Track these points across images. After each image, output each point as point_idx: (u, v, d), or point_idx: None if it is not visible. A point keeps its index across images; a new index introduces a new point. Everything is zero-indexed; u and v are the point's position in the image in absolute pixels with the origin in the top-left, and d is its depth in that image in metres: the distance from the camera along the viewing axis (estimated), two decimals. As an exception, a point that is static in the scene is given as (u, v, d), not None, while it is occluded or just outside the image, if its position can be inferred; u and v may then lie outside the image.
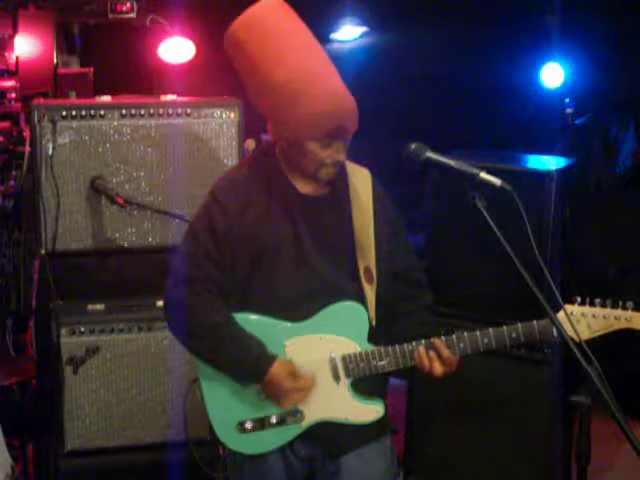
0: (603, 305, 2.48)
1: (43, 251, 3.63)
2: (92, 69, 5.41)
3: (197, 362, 2.66)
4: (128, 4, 4.96)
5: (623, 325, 2.47)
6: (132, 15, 4.99)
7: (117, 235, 3.69)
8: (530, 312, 2.46)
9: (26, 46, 4.70)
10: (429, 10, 5.67)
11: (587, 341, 2.35)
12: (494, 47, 5.55)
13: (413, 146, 2.38)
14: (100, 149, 3.65)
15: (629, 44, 5.22)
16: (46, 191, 3.60)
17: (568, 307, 2.49)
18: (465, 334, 2.58)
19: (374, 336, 2.62)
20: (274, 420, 2.60)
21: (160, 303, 3.54)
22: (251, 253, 2.59)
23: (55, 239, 3.62)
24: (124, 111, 3.66)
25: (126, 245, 3.71)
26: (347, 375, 2.60)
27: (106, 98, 3.75)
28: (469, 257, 3.76)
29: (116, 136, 3.66)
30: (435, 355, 2.56)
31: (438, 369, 2.56)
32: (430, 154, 2.37)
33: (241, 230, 2.59)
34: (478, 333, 2.58)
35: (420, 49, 5.76)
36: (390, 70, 5.90)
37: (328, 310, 2.59)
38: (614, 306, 2.48)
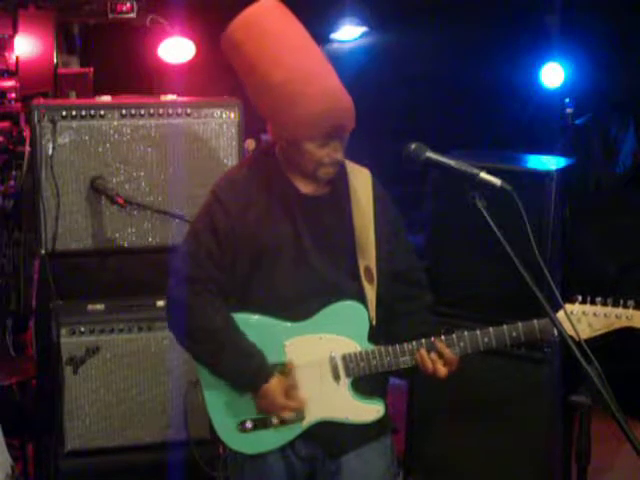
0: (604, 304, 2.48)
1: (43, 251, 3.63)
2: (92, 69, 5.41)
3: (197, 362, 2.67)
4: (128, 4, 4.96)
5: (624, 324, 2.48)
6: (132, 15, 4.99)
7: (117, 235, 3.69)
8: (530, 312, 2.46)
9: (26, 46, 4.70)
10: (429, 10, 5.67)
11: (587, 340, 2.36)
12: (494, 47, 5.55)
13: (413, 146, 2.38)
14: (100, 149, 3.65)
15: (629, 44, 5.22)
16: (46, 191, 3.60)
17: (569, 306, 2.49)
18: (465, 333, 2.58)
19: (374, 336, 2.62)
20: (275, 420, 2.60)
21: (160, 303, 3.58)
22: (251, 253, 2.59)
23: (55, 239, 3.62)
24: (124, 111, 3.66)
25: (126, 245, 3.71)
26: (347, 375, 2.60)
27: (106, 98, 3.75)
28: (469, 257, 3.76)
29: (116, 136, 3.66)
30: (437, 356, 2.57)
31: (441, 371, 2.57)
32: (430, 154, 2.37)
33: (242, 230, 2.59)
34: (478, 332, 2.58)
35: (420, 49, 5.76)
36: (390, 70, 5.90)
37: (328, 310, 2.59)
38: (615, 305, 2.48)
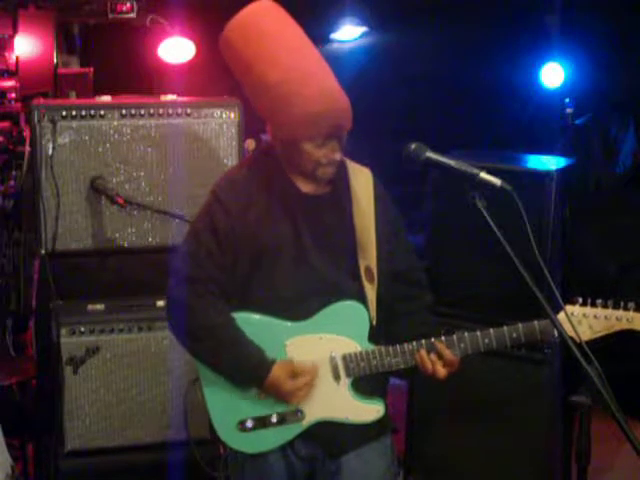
0: (604, 306, 2.48)
1: (43, 251, 3.63)
2: (92, 69, 5.40)
3: (197, 361, 2.67)
4: (128, 4, 4.96)
5: (624, 326, 2.48)
6: (132, 15, 4.99)
7: (117, 235, 3.69)
8: (530, 312, 2.46)
9: (26, 46, 4.70)
10: (429, 10, 5.67)
11: (588, 342, 2.36)
12: (494, 47, 5.55)
13: (413, 146, 2.38)
14: (100, 149, 3.65)
15: (629, 44, 5.22)
16: (46, 191, 3.60)
17: (569, 308, 2.49)
18: (466, 334, 2.58)
19: (375, 336, 2.62)
20: (275, 419, 2.61)
21: (160, 303, 3.58)
22: (252, 252, 2.59)
23: (55, 239, 3.61)
24: (124, 111, 3.66)
25: (126, 245, 3.71)
26: (347, 374, 2.60)
27: (106, 98, 3.75)
28: (469, 257, 3.76)
29: (116, 136, 3.66)
30: (436, 357, 2.57)
31: (441, 371, 2.57)
32: (430, 154, 2.37)
33: (242, 230, 2.59)
34: (479, 333, 2.58)
35: (420, 49, 5.76)
36: (390, 70, 5.89)
37: (329, 309, 2.59)
38: (615, 307, 2.48)
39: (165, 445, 3.67)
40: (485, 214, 2.24)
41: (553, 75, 5.66)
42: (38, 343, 3.79)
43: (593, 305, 2.50)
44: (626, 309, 2.46)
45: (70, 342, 3.60)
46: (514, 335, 2.57)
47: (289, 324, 2.60)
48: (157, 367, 3.68)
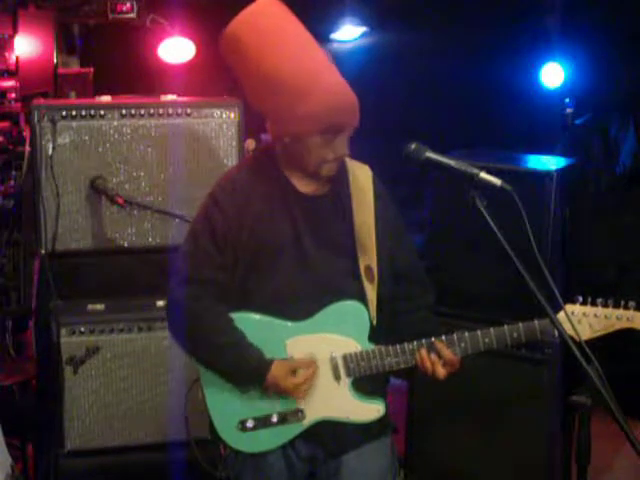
0: (605, 305, 2.48)
1: (43, 251, 3.63)
2: (92, 69, 5.41)
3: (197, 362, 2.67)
4: (128, 4, 4.96)
5: (624, 325, 2.48)
6: (132, 15, 4.99)
7: (117, 235, 3.69)
8: (530, 312, 2.46)
9: (26, 46, 4.69)
10: (429, 10, 5.66)
11: (588, 341, 2.36)
12: (494, 47, 5.55)
13: (413, 146, 2.38)
14: (100, 149, 3.65)
15: (629, 44, 5.21)
16: (46, 191, 3.60)
17: (569, 307, 2.49)
18: (466, 334, 2.58)
19: (375, 335, 2.62)
20: (275, 419, 2.61)
21: (160, 303, 3.58)
22: (251, 253, 2.59)
23: (55, 239, 3.62)
24: (124, 111, 3.66)
25: (126, 245, 3.71)
26: (348, 374, 2.60)
27: (106, 98, 3.75)
28: (469, 257, 3.76)
29: (116, 136, 3.66)
30: (437, 357, 2.57)
31: (440, 372, 2.57)
32: (430, 154, 2.37)
33: (241, 230, 2.59)
34: (479, 333, 2.58)
35: (420, 49, 5.75)
36: (390, 70, 5.89)
37: (329, 309, 2.59)
38: (616, 306, 2.48)
39: (165, 445, 3.67)
40: (485, 214, 2.24)
41: (553, 75, 5.66)
42: (38, 343, 3.79)
43: (593, 304, 2.50)
44: (626, 308, 2.47)
45: (70, 342, 3.60)
46: (514, 335, 2.57)
47: (289, 324, 2.60)
48: (157, 367, 3.68)
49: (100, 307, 3.68)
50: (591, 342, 2.37)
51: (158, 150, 3.70)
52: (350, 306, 2.60)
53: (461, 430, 3.83)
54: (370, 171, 2.74)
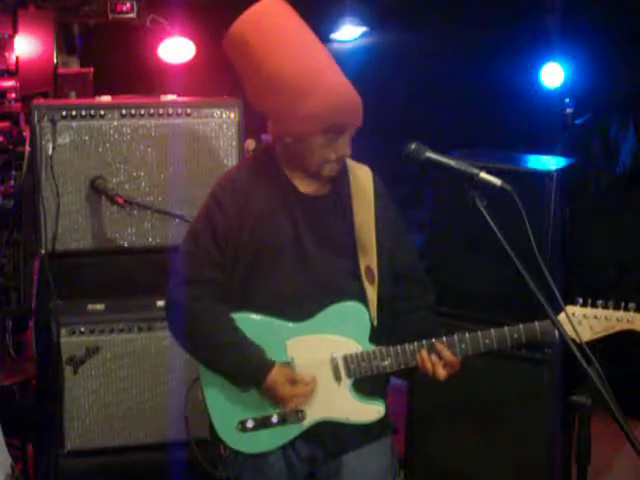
0: (605, 306, 2.49)
1: (43, 251, 3.63)
2: (92, 69, 5.40)
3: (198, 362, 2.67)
4: (128, 4, 4.96)
5: (625, 327, 2.48)
6: (132, 15, 4.99)
7: (117, 235, 3.69)
8: (531, 312, 2.46)
9: (26, 46, 4.69)
10: (429, 10, 5.66)
11: (588, 342, 2.36)
12: (494, 47, 5.55)
13: (413, 146, 2.38)
14: (100, 149, 3.65)
15: (629, 44, 5.21)
16: (46, 191, 3.60)
17: (570, 308, 2.49)
18: (466, 334, 2.58)
19: (376, 336, 2.62)
20: (275, 419, 2.60)
21: (160, 303, 3.58)
22: (252, 253, 2.59)
23: (55, 239, 3.61)
24: (124, 111, 3.66)
25: (126, 245, 3.71)
26: (348, 375, 2.60)
27: (106, 98, 3.75)
28: (469, 257, 3.76)
29: (116, 136, 3.66)
30: (437, 358, 2.57)
31: (441, 373, 2.57)
32: (430, 154, 2.37)
33: (241, 230, 2.59)
34: (480, 334, 2.58)
35: (420, 49, 5.75)
36: (390, 70, 5.89)
37: (330, 310, 2.59)
38: (616, 308, 2.48)
39: (165, 445, 3.67)
40: (485, 214, 2.24)
41: (553, 75, 5.65)
42: (38, 343, 3.79)
43: (593, 306, 2.50)
44: (626, 310, 2.47)
45: (70, 342, 3.60)
46: (515, 335, 2.57)
47: (290, 325, 2.60)
48: (157, 367, 3.68)
49: (100, 307, 3.68)
50: (591, 343, 2.37)
51: (158, 150, 3.70)
52: (351, 307, 2.60)
53: (461, 430, 3.83)
54: (370, 172, 2.74)
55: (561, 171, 3.69)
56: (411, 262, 2.75)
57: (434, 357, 2.57)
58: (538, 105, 5.64)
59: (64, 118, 3.60)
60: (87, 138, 3.63)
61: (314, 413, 2.61)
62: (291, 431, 2.62)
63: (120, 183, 3.67)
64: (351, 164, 2.71)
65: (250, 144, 3.98)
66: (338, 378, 2.60)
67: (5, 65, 4.59)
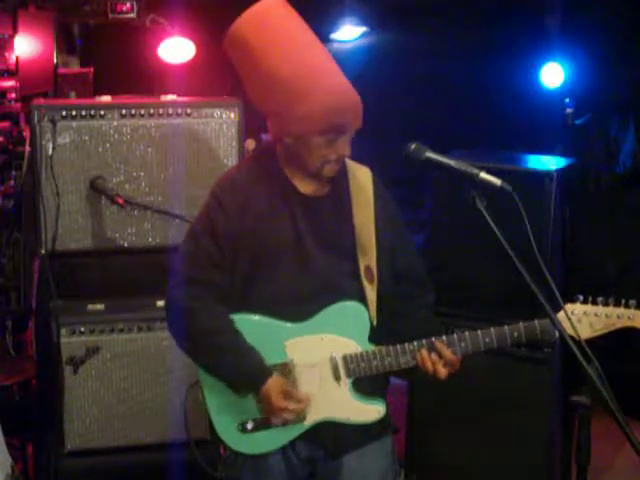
0: (605, 304, 2.48)
1: (43, 251, 3.63)
2: (92, 69, 5.40)
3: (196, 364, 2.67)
4: (128, 4, 4.96)
5: (625, 324, 2.48)
6: (132, 15, 4.99)
7: (117, 235, 3.69)
8: (531, 312, 2.46)
9: (26, 46, 4.69)
10: (429, 10, 5.66)
11: (588, 340, 2.36)
12: (494, 47, 5.54)
13: (413, 146, 2.38)
14: (100, 149, 3.65)
15: (629, 44, 5.21)
16: (46, 191, 3.59)
17: (570, 306, 2.49)
18: (466, 333, 2.58)
19: (375, 336, 2.62)
20: (275, 420, 2.60)
21: (160, 303, 3.58)
22: (252, 253, 2.59)
23: (55, 239, 3.61)
24: (124, 111, 3.66)
25: (126, 245, 3.71)
26: (348, 375, 2.60)
27: (106, 98, 3.75)
28: (469, 257, 3.76)
29: (116, 136, 3.66)
30: (437, 357, 2.56)
31: (441, 372, 2.57)
32: (430, 154, 2.37)
33: (241, 230, 2.59)
34: (479, 332, 2.58)
35: (420, 49, 5.75)
36: (390, 70, 5.89)
37: (329, 310, 2.59)
38: (616, 305, 2.48)
39: (165, 445, 3.67)
40: (485, 214, 2.24)
41: (553, 75, 5.65)
42: (38, 343, 3.78)
43: (594, 303, 2.50)
44: (627, 307, 2.47)
45: (70, 342, 3.60)
46: (515, 334, 2.57)
47: (289, 325, 2.60)
48: (157, 367, 3.68)
49: (100, 307, 3.68)
50: (591, 341, 2.37)
51: (158, 150, 3.70)
52: (350, 307, 2.60)
53: (461, 430, 3.84)
54: (370, 172, 2.74)
55: (561, 171, 3.70)
56: (411, 262, 2.75)
57: (434, 356, 2.57)
58: (538, 105, 5.64)
59: (64, 118, 3.60)
60: (87, 138, 3.63)
61: (314, 414, 2.61)
62: (291, 432, 2.62)
63: (120, 183, 3.67)
64: (351, 164, 2.70)
65: (250, 144, 3.98)
66: (338, 378, 2.60)
67: (5, 65, 4.59)
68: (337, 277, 2.61)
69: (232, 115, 3.75)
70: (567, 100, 5.61)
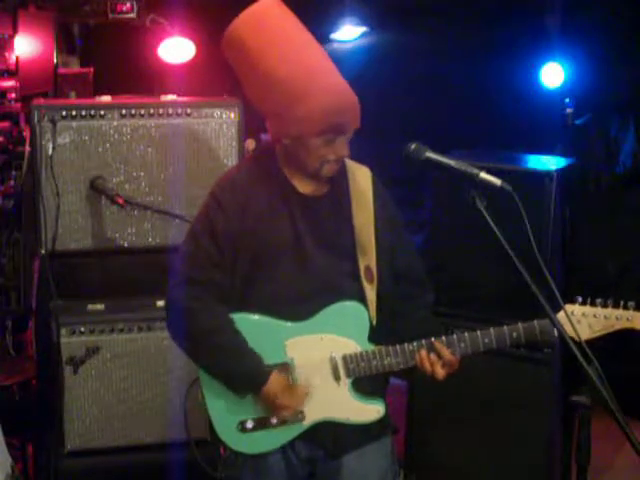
0: (604, 305, 2.48)
1: (43, 251, 3.63)
2: (92, 69, 5.40)
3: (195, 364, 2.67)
4: (128, 4, 4.96)
5: (624, 325, 2.47)
6: (132, 15, 4.99)
7: (117, 235, 3.69)
8: (530, 312, 2.46)
9: (26, 46, 4.69)
10: (429, 10, 5.66)
11: (588, 341, 2.36)
12: (494, 47, 5.54)
13: (413, 146, 2.38)
14: (100, 149, 3.65)
15: (629, 44, 5.21)
16: (46, 191, 3.59)
17: (569, 307, 2.49)
18: (466, 334, 2.58)
19: (375, 336, 2.62)
20: (275, 420, 2.60)
21: (160, 303, 3.58)
22: (252, 253, 2.59)
23: (55, 239, 3.61)
24: (124, 111, 3.66)
25: (126, 245, 3.71)
26: (348, 375, 2.60)
27: (106, 98, 3.75)
28: (469, 257, 3.76)
29: (116, 136, 3.66)
30: (436, 358, 2.56)
31: (440, 372, 2.57)
32: (430, 154, 2.37)
33: (241, 230, 2.59)
34: (479, 333, 2.58)
35: (420, 49, 5.75)
36: (390, 70, 5.89)
37: (329, 310, 2.59)
38: (615, 306, 2.48)
39: (165, 445, 3.67)
40: (485, 214, 2.24)
41: (553, 75, 5.65)
42: (38, 343, 3.78)
43: (593, 304, 2.50)
44: (626, 308, 2.46)
45: (70, 342, 3.60)
46: (514, 335, 2.57)
47: (289, 324, 2.60)
48: (157, 367, 3.68)
49: (100, 307, 3.68)
50: (591, 342, 2.37)
51: (158, 150, 3.70)
52: (350, 307, 2.60)
53: (461, 430, 3.84)
54: (369, 172, 2.74)
55: (561, 171, 3.70)
56: (410, 262, 2.75)
57: (433, 356, 2.57)
58: (538, 105, 5.64)
59: (64, 118, 3.60)
60: (87, 138, 3.63)
61: (314, 414, 2.61)
62: (291, 432, 2.62)
63: (120, 183, 3.67)
64: (350, 164, 2.70)
65: (250, 144, 3.98)
66: (337, 378, 2.60)
67: (5, 65, 4.59)
68: (337, 277, 2.61)
69: (232, 115, 3.75)
70: (567, 100, 5.61)
